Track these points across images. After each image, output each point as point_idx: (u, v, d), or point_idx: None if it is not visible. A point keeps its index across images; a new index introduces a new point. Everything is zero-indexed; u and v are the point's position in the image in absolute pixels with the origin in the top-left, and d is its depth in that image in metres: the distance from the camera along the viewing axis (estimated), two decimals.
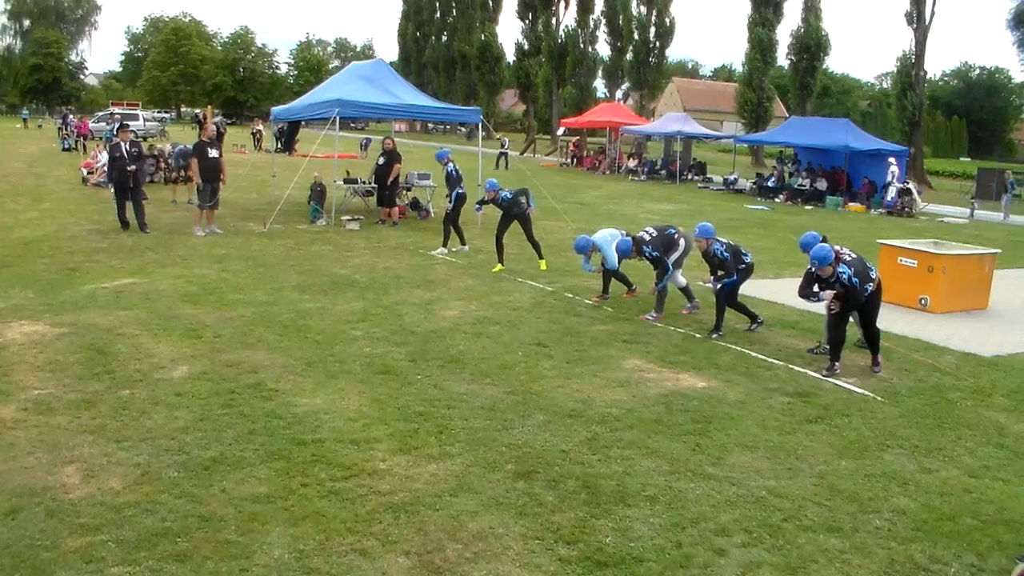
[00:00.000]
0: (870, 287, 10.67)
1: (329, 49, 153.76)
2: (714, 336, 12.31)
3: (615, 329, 12.48)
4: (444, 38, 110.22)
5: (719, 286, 12.48)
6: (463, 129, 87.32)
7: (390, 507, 6.61)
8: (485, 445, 7.94)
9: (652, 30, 75.02)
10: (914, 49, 53.35)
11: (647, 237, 13.21)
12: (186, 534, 6.07)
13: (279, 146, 34.78)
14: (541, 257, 17.11)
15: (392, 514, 6.50)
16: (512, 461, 7.61)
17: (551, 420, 8.67)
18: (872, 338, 11.12)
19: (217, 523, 6.25)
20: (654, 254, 13.10)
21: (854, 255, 10.72)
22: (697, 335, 12.35)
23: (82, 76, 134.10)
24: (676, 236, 13.48)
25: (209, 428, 8.05)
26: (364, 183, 25.12)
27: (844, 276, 10.45)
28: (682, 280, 13.89)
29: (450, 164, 18.80)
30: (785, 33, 75.23)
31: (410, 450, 7.74)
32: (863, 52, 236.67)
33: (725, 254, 12.40)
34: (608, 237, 14.02)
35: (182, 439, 7.77)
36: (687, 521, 6.62)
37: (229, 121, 49.13)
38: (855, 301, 10.64)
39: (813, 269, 10.71)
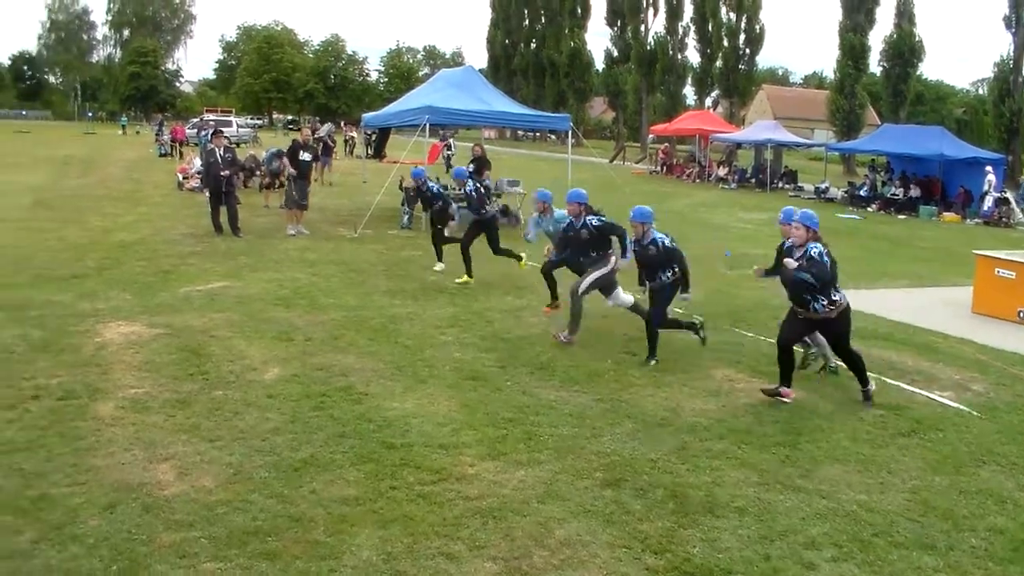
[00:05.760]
0: (840, 295, 9.65)
1: (419, 56, 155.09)
2: (652, 363, 10.97)
3: (707, 338, 12.32)
4: (533, 45, 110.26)
5: (686, 296, 11.33)
6: (553, 136, 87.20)
7: (478, 512, 6.64)
8: (573, 452, 7.92)
9: (742, 36, 74.47)
10: (1012, 54, 52.06)
11: (601, 219, 11.85)
12: (276, 533, 6.16)
13: (370, 152, 35.09)
14: (518, 259, 16.15)
15: (480, 519, 6.53)
16: (600, 469, 7.59)
17: (640, 428, 8.63)
18: (852, 363, 9.95)
19: (307, 523, 6.34)
20: (598, 223, 11.71)
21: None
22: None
23: (178, 84, 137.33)
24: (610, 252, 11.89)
25: (300, 430, 8.15)
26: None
27: (814, 251, 9.46)
28: (628, 298, 12.06)
29: (431, 182, 16.89)
30: (878, 39, 73.97)
31: (499, 456, 7.76)
32: (958, 58, 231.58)
33: (670, 245, 11.09)
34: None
35: (273, 440, 7.88)
36: (776, 533, 6.54)
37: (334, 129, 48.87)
38: (820, 275, 9.29)
39: (785, 242, 10.18)
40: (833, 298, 9.48)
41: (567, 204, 12.03)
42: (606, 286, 11.83)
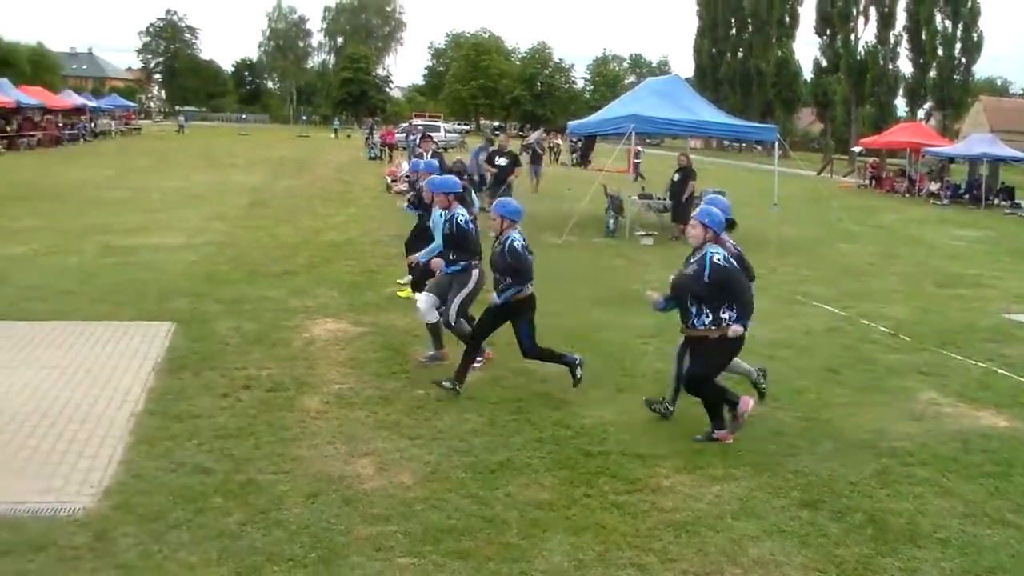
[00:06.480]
0: (730, 315, 8.13)
1: (624, 65, 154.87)
2: (447, 385, 9.28)
3: (912, 359, 11.87)
4: (740, 54, 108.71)
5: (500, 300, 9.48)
6: (759, 147, 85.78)
7: (671, 525, 6.59)
8: (771, 470, 7.76)
9: (958, 45, 71.64)
10: None
11: (468, 222, 10.32)
12: (470, 533, 6.27)
13: (575, 160, 35.27)
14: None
15: (673, 532, 6.48)
16: (798, 488, 7.41)
17: (840, 449, 8.37)
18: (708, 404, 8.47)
19: (500, 525, 6.42)
20: (462, 221, 10.23)
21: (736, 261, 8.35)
22: (1000, 370, 11.56)
23: (387, 89, 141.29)
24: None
25: (497, 433, 8.27)
26: (659, 199, 25.11)
27: (716, 257, 8.01)
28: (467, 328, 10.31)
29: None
30: None
31: (695, 469, 7.68)
32: None
33: (519, 248, 9.39)
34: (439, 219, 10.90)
35: (471, 441, 8.01)
36: (982, 569, 6.22)
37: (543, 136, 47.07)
38: (685, 286, 8.15)
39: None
40: (720, 316, 8.11)
41: (435, 196, 10.67)
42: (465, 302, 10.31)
